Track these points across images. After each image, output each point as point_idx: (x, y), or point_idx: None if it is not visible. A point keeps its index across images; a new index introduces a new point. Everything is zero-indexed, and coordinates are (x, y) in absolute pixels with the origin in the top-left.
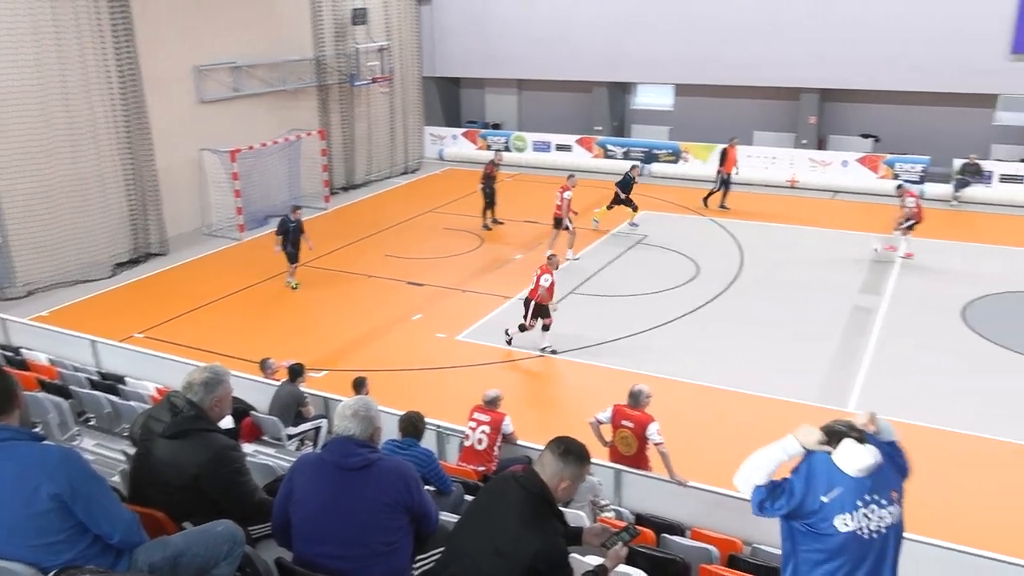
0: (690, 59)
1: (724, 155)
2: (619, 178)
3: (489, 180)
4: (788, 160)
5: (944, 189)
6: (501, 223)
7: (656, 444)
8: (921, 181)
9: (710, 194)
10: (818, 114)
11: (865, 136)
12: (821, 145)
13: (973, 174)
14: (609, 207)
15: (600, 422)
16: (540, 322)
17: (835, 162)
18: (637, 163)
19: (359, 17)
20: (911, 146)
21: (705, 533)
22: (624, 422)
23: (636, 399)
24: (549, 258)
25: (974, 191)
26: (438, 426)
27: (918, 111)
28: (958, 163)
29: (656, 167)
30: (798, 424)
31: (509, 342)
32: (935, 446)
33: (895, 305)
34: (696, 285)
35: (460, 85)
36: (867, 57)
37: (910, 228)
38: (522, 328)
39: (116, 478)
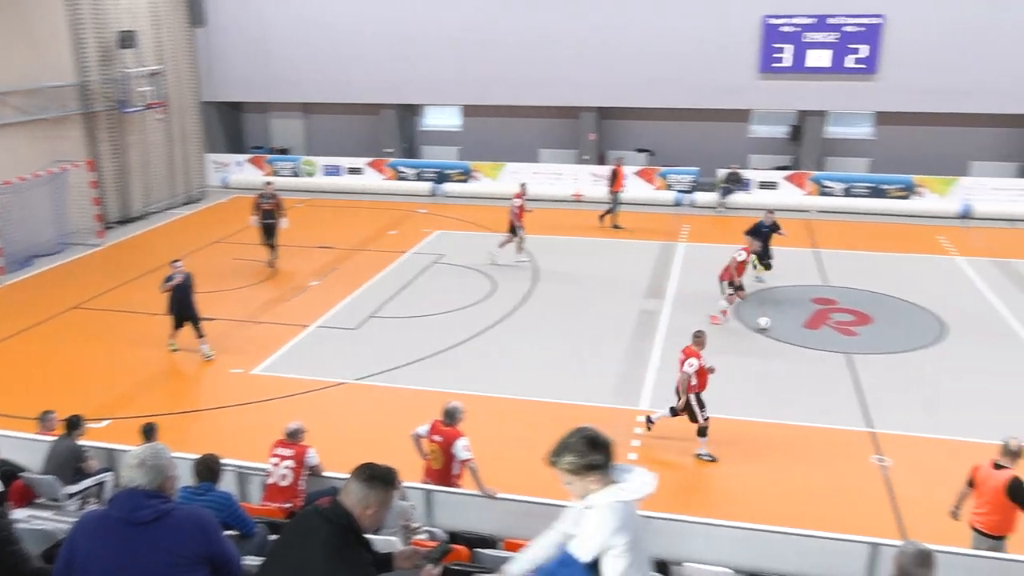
0: (475, 80)
1: (614, 175)
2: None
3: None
4: (572, 175)
5: (711, 197)
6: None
7: (464, 460)
8: (692, 191)
9: (606, 213)
10: (597, 131)
11: (640, 151)
12: (601, 160)
13: (735, 182)
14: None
15: (419, 436)
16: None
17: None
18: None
19: (127, 40)
20: (682, 159)
21: (518, 543)
22: (435, 437)
23: (451, 416)
24: (696, 337)
25: (737, 197)
26: (238, 466)
27: (686, 126)
28: (722, 172)
29: (448, 187)
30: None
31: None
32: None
33: (676, 306)
34: (494, 301)
35: (242, 110)
36: (638, 78)
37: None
38: (674, 412)
39: None
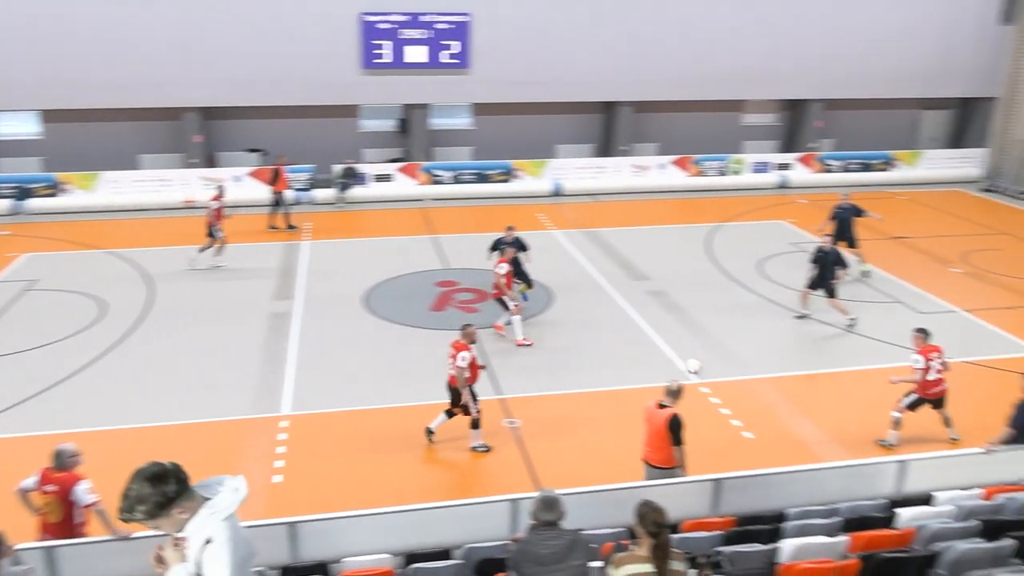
0: (54, 81)
1: (276, 175)
2: None
3: None
4: (181, 181)
5: (330, 193)
6: None
7: (88, 504)
8: (309, 188)
9: (274, 215)
10: (204, 132)
11: (252, 151)
12: (211, 163)
13: (352, 177)
14: None
15: (26, 490)
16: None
17: (228, 178)
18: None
19: None
20: (296, 156)
21: None
22: (47, 487)
23: (62, 460)
24: (464, 330)
25: (355, 192)
26: None
27: (297, 124)
28: (337, 168)
29: (33, 203)
30: (239, 441)
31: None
32: (352, 425)
33: (308, 305)
34: (106, 324)
35: None
36: (242, 76)
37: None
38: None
39: None
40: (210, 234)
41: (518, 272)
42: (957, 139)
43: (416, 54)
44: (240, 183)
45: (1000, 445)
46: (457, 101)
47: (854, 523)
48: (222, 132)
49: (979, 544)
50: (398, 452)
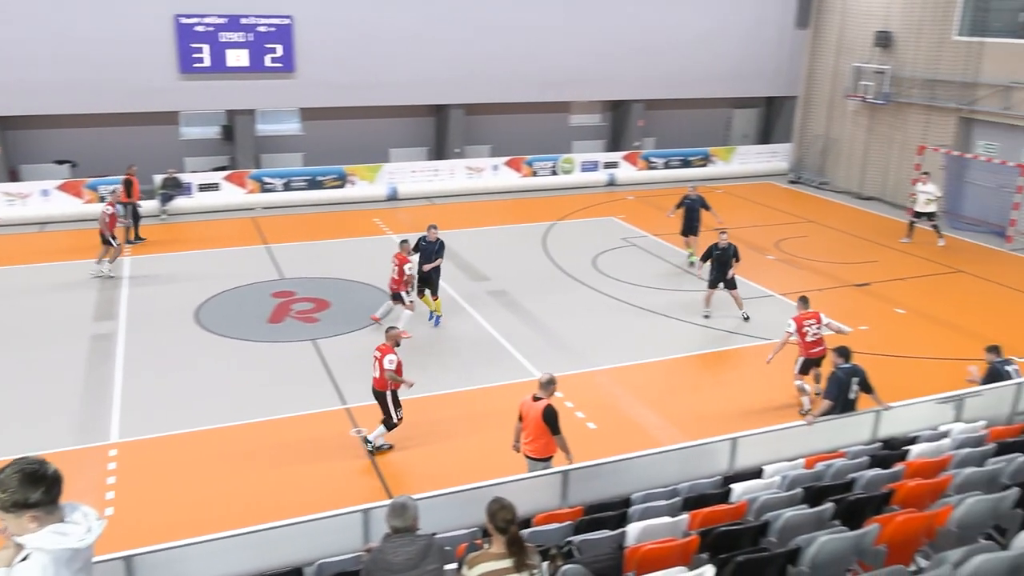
0: None
1: (129, 185)
2: None
3: None
4: None
5: (152, 204)
6: None
7: None
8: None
9: (128, 229)
10: (1, 144)
11: (61, 162)
12: (13, 176)
13: (175, 187)
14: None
15: None
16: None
17: (34, 192)
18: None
19: None
20: (111, 167)
21: None
22: None
23: None
24: (389, 332)
25: (179, 203)
26: None
27: (111, 132)
28: (159, 179)
29: None
30: (64, 475)
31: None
32: (189, 448)
33: (133, 324)
34: None
35: None
36: (46, 81)
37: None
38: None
39: None
40: (105, 241)
41: (425, 277)
42: (766, 135)
43: (238, 58)
44: (48, 198)
45: (820, 416)
46: (283, 106)
47: (692, 501)
48: (23, 143)
49: (803, 510)
50: (240, 471)
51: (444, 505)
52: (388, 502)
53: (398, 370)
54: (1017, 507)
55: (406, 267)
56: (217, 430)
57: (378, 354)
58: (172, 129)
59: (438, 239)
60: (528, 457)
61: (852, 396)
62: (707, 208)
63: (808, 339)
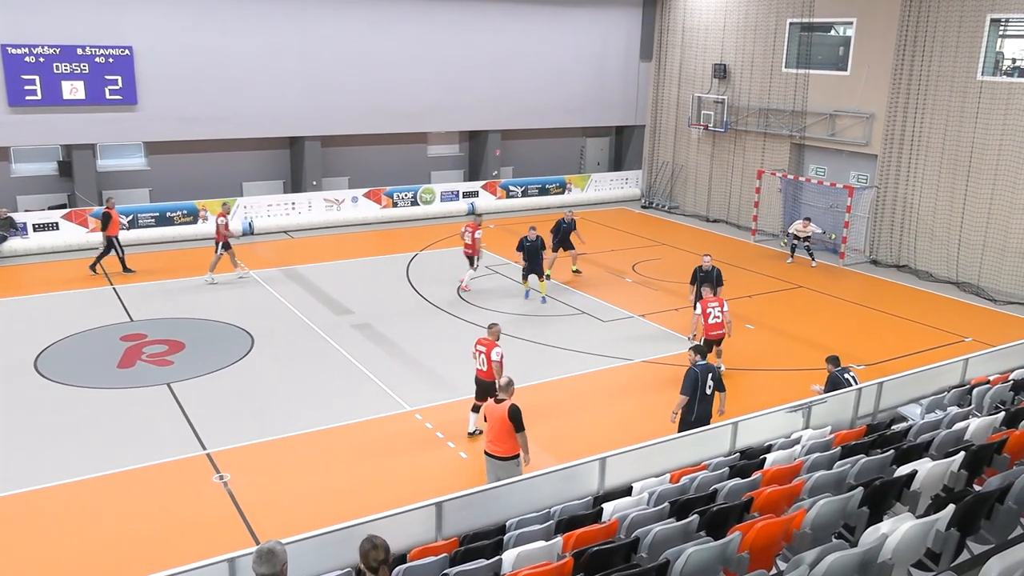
0: None
1: (107, 218)
2: None
3: None
4: None
5: None
6: None
7: None
8: None
9: (99, 259)
10: None
11: None
12: None
13: (8, 228)
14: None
15: None
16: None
17: None
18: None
19: None
20: None
21: None
22: None
23: None
24: (491, 329)
25: (12, 244)
26: None
27: None
28: None
29: None
30: None
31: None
32: (33, 507)
33: None
34: None
35: None
36: None
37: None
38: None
39: None
40: (226, 247)
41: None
42: (618, 163)
43: (74, 90)
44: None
45: (677, 409)
46: (126, 140)
47: (565, 523)
48: None
49: (671, 524)
50: (93, 528)
51: (315, 547)
52: (254, 549)
53: (501, 363)
54: (863, 506)
55: (477, 233)
56: (65, 486)
57: (483, 348)
58: (2, 166)
59: (538, 236)
60: (491, 456)
61: (708, 392)
62: (574, 230)
63: (710, 321)
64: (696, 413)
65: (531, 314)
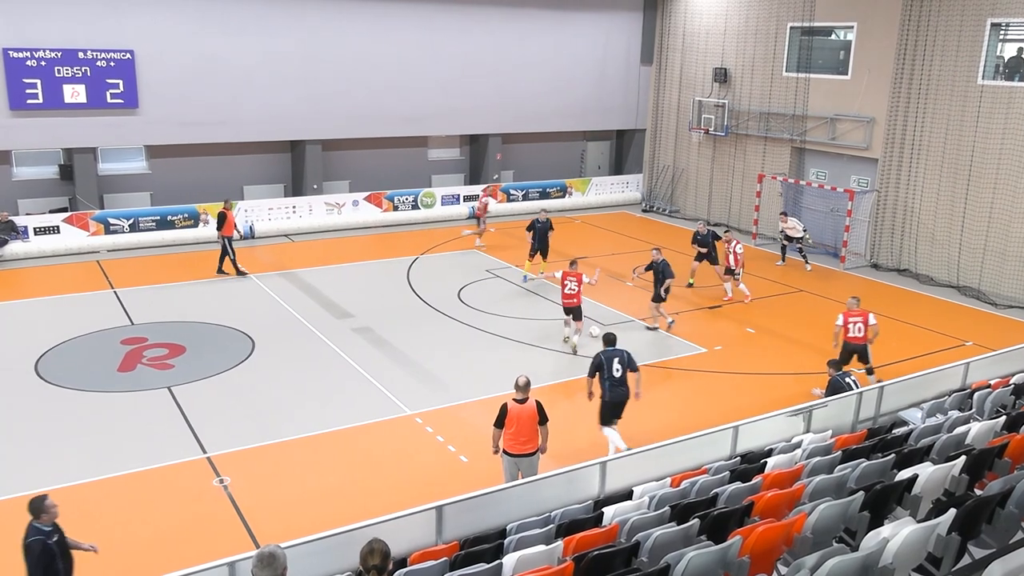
0: None
1: (223, 218)
2: None
3: None
4: None
5: None
6: None
7: None
8: None
9: (223, 260)
10: None
11: None
12: None
13: (10, 231)
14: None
15: None
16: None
17: None
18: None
19: None
20: None
21: None
22: None
23: None
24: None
25: (13, 247)
26: None
27: None
28: None
29: None
30: None
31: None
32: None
33: None
34: None
35: None
36: None
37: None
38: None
39: None
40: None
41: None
42: (618, 166)
43: (75, 93)
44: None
45: (589, 388)
46: (127, 143)
47: (566, 527)
48: None
49: (671, 528)
50: (94, 532)
51: (315, 551)
52: (255, 553)
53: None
54: (864, 510)
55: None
56: (65, 489)
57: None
58: (3, 169)
59: (548, 219)
60: (517, 455)
61: (617, 374)
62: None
63: (565, 291)
64: (610, 395)
65: (531, 318)
